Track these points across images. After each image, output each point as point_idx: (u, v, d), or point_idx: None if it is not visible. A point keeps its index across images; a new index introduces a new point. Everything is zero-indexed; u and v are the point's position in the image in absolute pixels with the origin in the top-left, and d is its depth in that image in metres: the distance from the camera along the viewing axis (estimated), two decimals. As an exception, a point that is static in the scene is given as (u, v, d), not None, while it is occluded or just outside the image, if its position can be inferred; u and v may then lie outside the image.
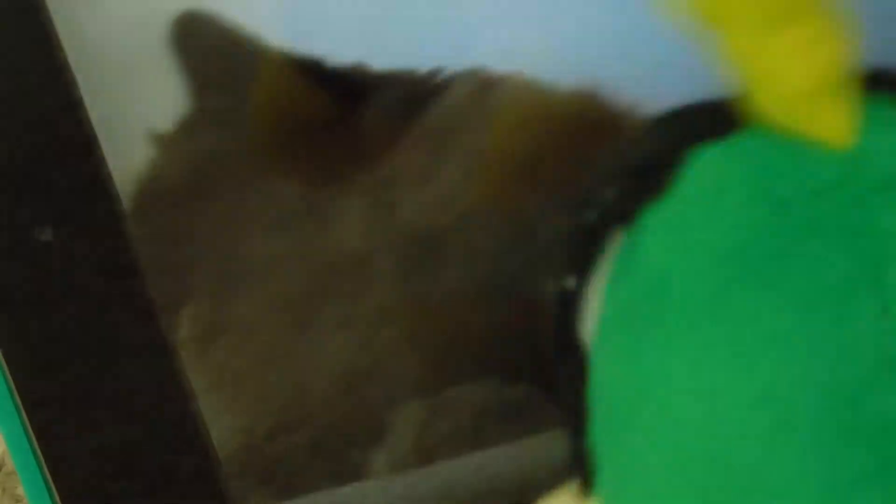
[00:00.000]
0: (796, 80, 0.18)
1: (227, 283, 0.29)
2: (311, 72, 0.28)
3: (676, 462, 0.17)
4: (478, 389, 0.29)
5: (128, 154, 0.28)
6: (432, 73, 0.28)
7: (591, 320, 0.19)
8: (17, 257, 0.28)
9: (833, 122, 0.18)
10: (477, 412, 0.29)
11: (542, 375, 0.29)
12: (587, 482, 0.20)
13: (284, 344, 0.29)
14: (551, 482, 0.29)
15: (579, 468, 0.20)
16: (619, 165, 0.19)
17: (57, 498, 0.28)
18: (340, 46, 0.27)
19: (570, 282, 0.19)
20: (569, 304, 0.19)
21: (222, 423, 0.29)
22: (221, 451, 0.29)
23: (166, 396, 0.28)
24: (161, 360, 0.28)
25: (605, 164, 0.20)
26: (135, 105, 0.28)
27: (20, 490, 0.34)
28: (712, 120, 0.19)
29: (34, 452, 0.28)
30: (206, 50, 0.28)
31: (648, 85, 0.27)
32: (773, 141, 0.18)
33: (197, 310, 0.29)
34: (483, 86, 0.28)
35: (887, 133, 0.18)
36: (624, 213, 0.19)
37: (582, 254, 0.19)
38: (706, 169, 0.18)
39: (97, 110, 0.28)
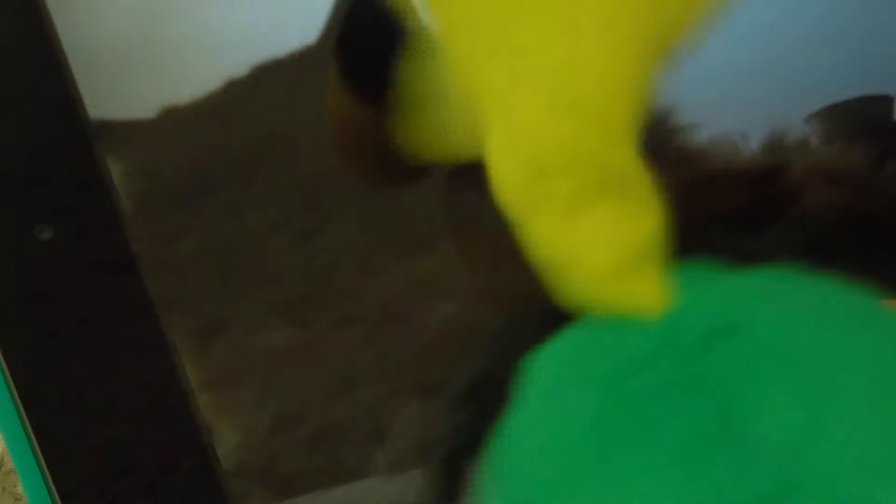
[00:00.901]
0: (603, 259, 0.18)
1: (229, 282, 0.29)
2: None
3: None
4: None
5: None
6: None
7: None
8: (17, 255, 0.28)
9: (644, 295, 0.18)
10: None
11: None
12: None
13: (285, 343, 0.29)
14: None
15: None
16: (456, 393, 0.19)
17: (56, 497, 0.28)
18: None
19: None
20: None
21: (222, 422, 0.29)
22: (221, 449, 0.29)
23: (166, 395, 0.28)
24: (161, 358, 0.28)
25: (445, 393, 0.20)
26: (134, 103, 0.28)
27: (20, 489, 0.34)
28: (539, 324, 0.19)
29: (34, 451, 0.28)
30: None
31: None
32: (595, 325, 0.18)
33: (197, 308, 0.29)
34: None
35: (702, 290, 0.18)
36: (474, 437, 0.19)
37: (447, 488, 0.19)
38: (540, 370, 0.18)
39: (96, 109, 0.28)
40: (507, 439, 0.18)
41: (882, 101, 0.29)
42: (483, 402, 0.19)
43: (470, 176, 0.28)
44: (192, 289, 0.29)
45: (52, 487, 0.28)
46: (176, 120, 0.29)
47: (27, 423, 0.28)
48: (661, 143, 0.29)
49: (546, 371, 0.18)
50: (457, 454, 0.19)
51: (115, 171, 0.28)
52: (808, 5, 0.28)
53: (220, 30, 0.28)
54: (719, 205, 0.29)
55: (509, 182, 0.18)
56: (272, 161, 0.29)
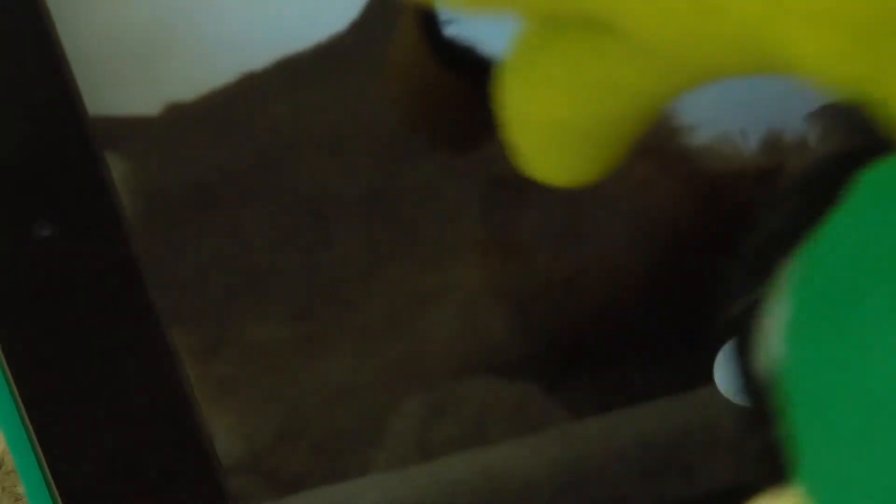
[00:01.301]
0: None
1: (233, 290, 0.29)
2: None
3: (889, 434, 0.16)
4: (480, 386, 0.29)
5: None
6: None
7: (776, 334, 0.19)
8: (16, 253, 0.28)
9: None
10: (479, 409, 0.29)
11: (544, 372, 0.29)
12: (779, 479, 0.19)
13: (291, 349, 0.29)
14: (553, 480, 0.29)
15: (771, 467, 0.19)
16: (796, 182, 0.19)
17: (57, 497, 0.28)
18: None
19: (751, 300, 0.19)
20: (749, 324, 0.19)
21: (223, 422, 0.29)
22: (222, 449, 0.29)
23: (167, 395, 0.28)
24: (161, 358, 0.28)
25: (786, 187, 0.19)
26: (134, 103, 0.28)
27: (20, 489, 0.34)
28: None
29: (34, 451, 0.28)
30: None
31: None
32: None
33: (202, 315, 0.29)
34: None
35: None
36: (813, 219, 0.18)
37: (764, 271, 0.19)
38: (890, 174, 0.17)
39: (97, 107, 0.28)
40: (826, 237, 0.17)
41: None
42: (815, 195, 0.18)
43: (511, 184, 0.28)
44: (194, 291, 0.29)
45: (53, 488, 0.28)
46: (179, 121, 0.29)
47: (28, 423, 0.28)
48: (661, 143, 0.29)
49: None
50: (787, 236, 0.18)
51: (116, 169, 0.28)
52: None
53: (226, 25, 0.28)
54: (718, 206, 0.29)
55: (847, 58, 0.16)
56: (276, 172, 0.29)
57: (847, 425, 0.17)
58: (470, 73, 0.27)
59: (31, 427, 0.28)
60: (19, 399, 0.28)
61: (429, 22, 0.27)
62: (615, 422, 0.29)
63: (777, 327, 0.18)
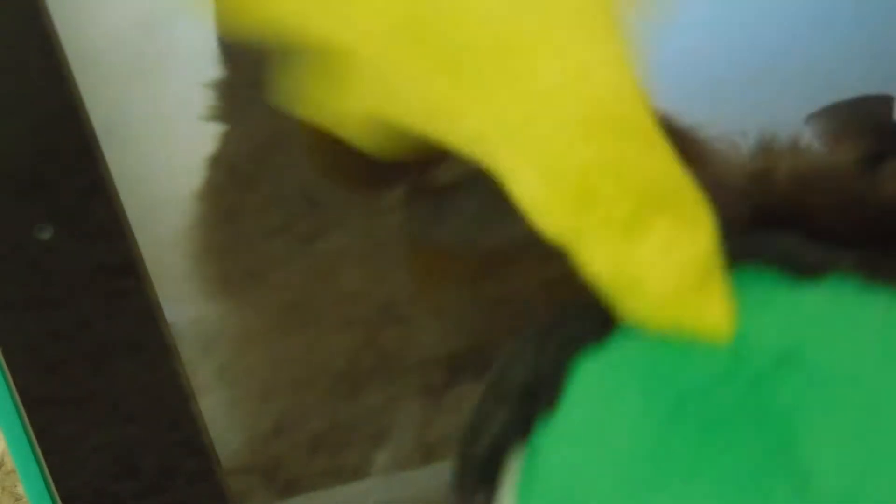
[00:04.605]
0: (668, 280, 0.17)
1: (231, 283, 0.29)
2: None
3: None
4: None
5: (127, 153, 0.28)
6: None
7: None
8: (16, 255, 0.28)
9: (709, 314, 0.17)
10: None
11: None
12: None
13: (286, 342, 0.29)
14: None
15: None
16: (504, 387, 0.19)
17: (57, 497, 0.28)
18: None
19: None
20: None
21: (223, 423, 0.29)
22: (222, 451, 0.29)
23: (166, 396, 0.28)
24: (161, 359, 0.28)
25: (489, 387, 0.19)
26: (134, 104, 0.28)
27: (20, 489, 0.34)
28: (587, 326, 0.18)
29: (34, 452, 0.28)
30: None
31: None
32: (653, 340, 0.17)
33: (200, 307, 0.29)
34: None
35: (762, 311, 0.18)
36: (517, 435, 0.18)
37: (480, 480, 0.19)
38: (592, 377, 0.18)
39: (97, 109, 0.28)
40: (544, 449, 0.18)
41: (882, 101, 0.29)
42: (530, 401, 0.18)
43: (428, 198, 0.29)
44: (194, 291, 0.29)
45: (53, 488, 0.28)
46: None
47: (28, 424, 0.28)
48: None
49: (601, 380, 0.17)
50: (490, 455, 0.18)
51: (116, 172, 0.28)
52: (809, 4, 0.29)
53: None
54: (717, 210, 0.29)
55: (556, 214, 0.17)
56: (273, 165, 0.29)
57: None
58: None
59: (30, 427, 0.28)
60: (19, 399, 0.28)
61: None
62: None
63: None
